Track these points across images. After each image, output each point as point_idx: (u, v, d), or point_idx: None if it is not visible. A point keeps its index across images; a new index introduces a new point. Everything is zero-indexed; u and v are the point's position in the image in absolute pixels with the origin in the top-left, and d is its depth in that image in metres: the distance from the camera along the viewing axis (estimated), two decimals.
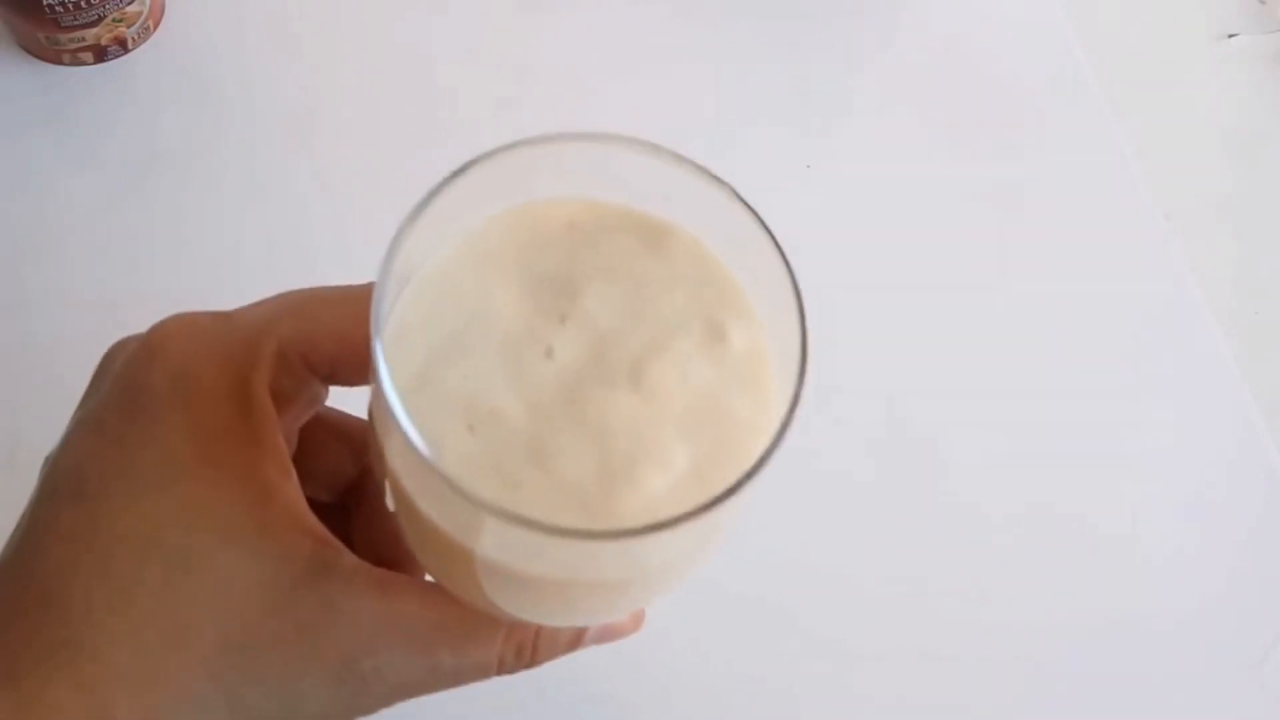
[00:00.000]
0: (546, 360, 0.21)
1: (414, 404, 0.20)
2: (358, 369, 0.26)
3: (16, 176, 0.47)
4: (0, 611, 0.23)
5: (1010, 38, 0.57)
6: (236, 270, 0.46)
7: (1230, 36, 0.60)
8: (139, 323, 0.44)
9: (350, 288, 0.26)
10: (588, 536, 0.19)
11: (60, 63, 0.50)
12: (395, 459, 0.21)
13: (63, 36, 0.48)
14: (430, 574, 0.26)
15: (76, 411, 0.26)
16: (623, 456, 0.20)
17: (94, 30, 0.49)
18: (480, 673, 0.25)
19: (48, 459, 0.25)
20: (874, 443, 0.44)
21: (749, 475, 0.19)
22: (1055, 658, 0.41)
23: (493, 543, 0.20)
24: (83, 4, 0.47)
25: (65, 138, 0.48)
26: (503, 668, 0.25)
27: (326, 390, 0.28)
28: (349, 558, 0.24)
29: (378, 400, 0.20)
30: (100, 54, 0.50)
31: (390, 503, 0.24)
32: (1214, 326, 0.49)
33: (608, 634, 0.27)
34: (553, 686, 0.38)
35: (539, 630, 0.25)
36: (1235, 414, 0.47)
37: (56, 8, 0.47)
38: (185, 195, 0.48)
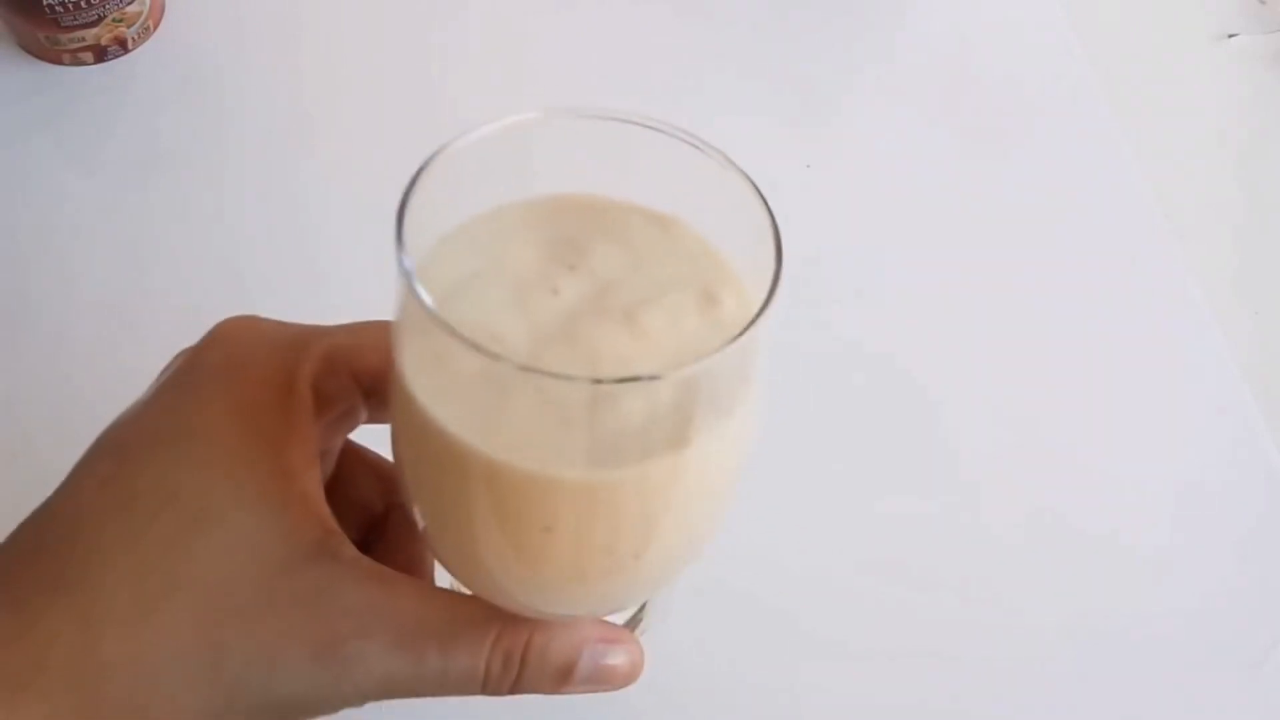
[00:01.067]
0: (552, 297, 0.23)
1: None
2: None
3: (17, 176, 0.47)
4: (25, 545, 0.25)
5: (1010, 38, 0.57)
6: (237, 269, 0.46)
7: (1230, 36, 0.60)
8: (140, 322, 0.44)
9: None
10: (565, 379, 0.20)
11: (60, 63, 0.50)
12: (406, 358, 0.23)
13: (63, 36, 0.48)
14: (439, 541, 0.26)
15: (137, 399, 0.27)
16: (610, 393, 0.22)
17: (94, 30, 0.49)
18: (466, 682, 0.25)
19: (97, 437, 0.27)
20: (873, 442, 0.44)
21: (721, 348, 0.21)
22: (1055, 658, 0.41)
23: (485, 425, 0.22)
24: (83, 4, 0.47)
25: (65, 138, 0.48)
26: (489, 681, 0.25)
27: (364, 411, 0.29)
28: (351, 549, 0.25)
29: (396, 321, 0.23)
30: (100, 54, 0.50)
31: (406, 485, 0.25)
32: (1214, 326, 0.49)
33: (599, 675, 0.26)
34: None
35: (530, 641, 0.25)
36: (1235, 414, 0.47)
37: (56, 8, 0.47)
38: (185, 194, 0.48)
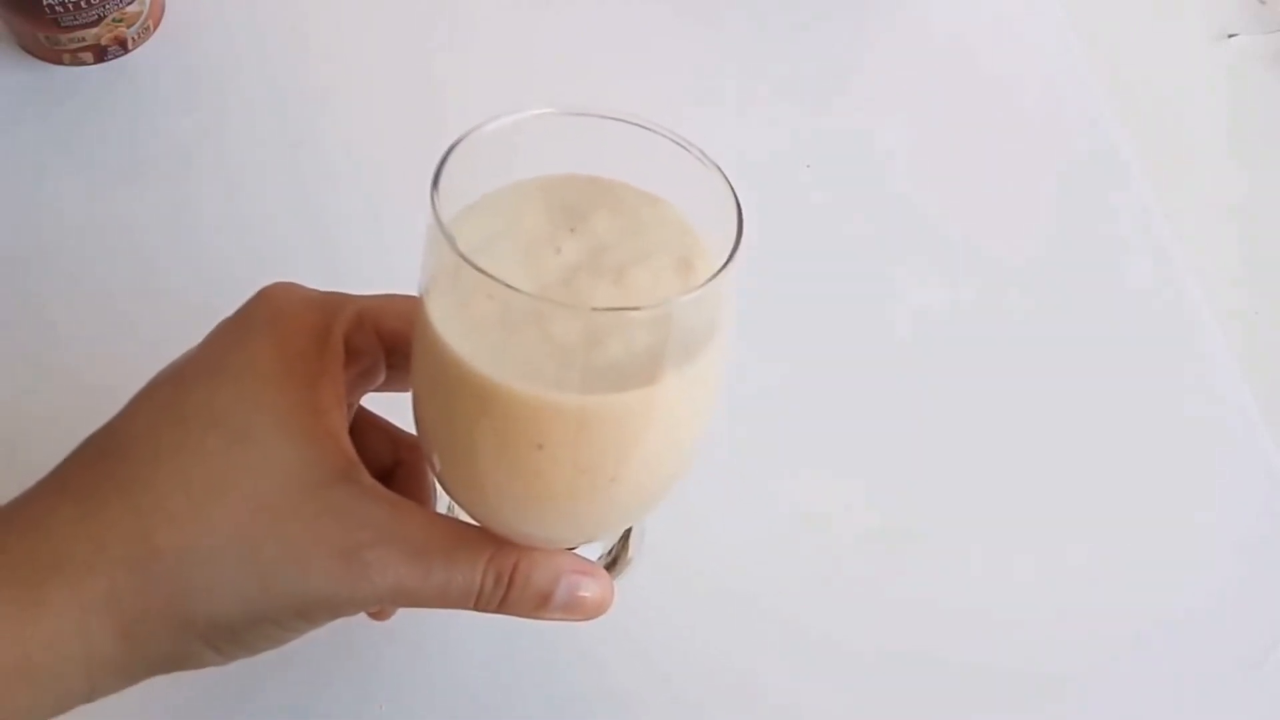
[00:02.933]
0: (556, 255, 0.28)
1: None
2: (409, 352, 0.31)
3: (16, 176, 0.47)
4: (88, 453, 0.28)
5: (1010, 38, 0.57)
6: (235, 269, 0.46)
7: (1230, 36, 0.60)
8: (139, 321, 0.44)
9: (412, 295, 0.31)
10: (557, 304, 0.26)
11: (60, 63, 0.50)
12: (433, 286, 0.27)
13: (63, 36, 0.48)
14: (441, 456, 0.30)
15: None
16: (600, 330, 0.26)
17: (94, 30, 0.49)
18: (463, 595, 0.29)
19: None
20: (871, 442, 0.44)
21: (689, 292, 0.25)
22: (1054, 657, 0.41)
23: (493, 352, 0.26)
24: (83, 4, 0.47)
25: (65, 138, 0.48)
26: (481, 597, 0.29)
27: (384, 370, 0.33)
28: (369, 478, 0.29)
29: (425, 268, 0.27)
30: (100, 54, 0.50)
31: (420, 393, 0.29)
32: (1214, 326, 0.49)
33: (572, 604, 0.30)
34: (555, 681, 0.38)
35: (516, 564, 0.29)
36: (1235, 414, 0.47)
37: (56, 8, 0.47)
38: (185, 194, 0.48)
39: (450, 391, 0.27)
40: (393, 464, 0.35)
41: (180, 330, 0.44)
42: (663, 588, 0.39)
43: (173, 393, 0.29)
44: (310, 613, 0.28)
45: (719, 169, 0.27)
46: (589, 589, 0.30)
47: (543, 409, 0.26)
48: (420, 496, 0.35)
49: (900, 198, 0.51)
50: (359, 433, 0.32)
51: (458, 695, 0.38)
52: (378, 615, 0.35)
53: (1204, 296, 0.50)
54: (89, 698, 0.27)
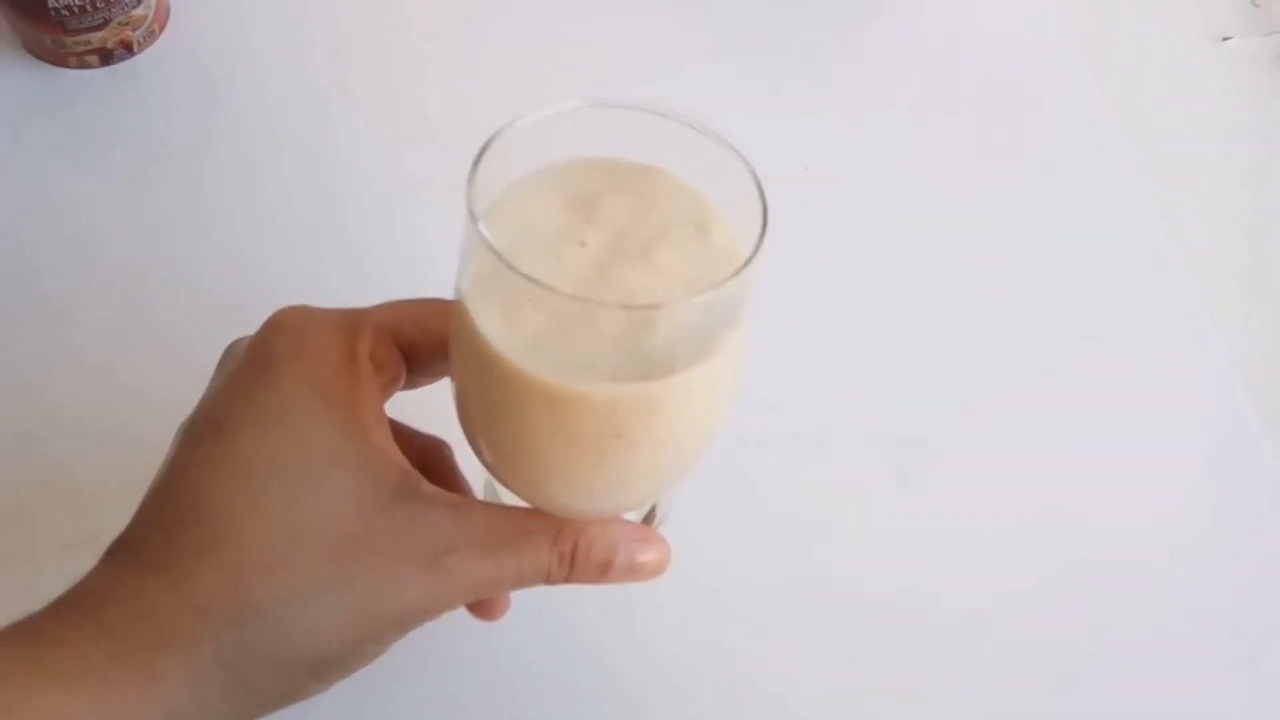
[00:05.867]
0: (581, 249, 0.28)
1: (489, 289, 0.27)
2: (428, 356, 0.33)
3: (22, 179, 0.47)
4: (153, 522, 0.29)
5: (1007, 40, 0.57)
6: (241, 272, 0.46)
7: (1225, 39, 0.60)
8: (142, 326, 0.44)
9: (422, 298, 0.33)
10: (597, 304, 0.26)
11: (66, 66, 0.50)
12: (478, 305, 0.28)
13: (68, 40, 0.49)
14: (498, 459, 0.31)
15: (207, 388, 0.32)
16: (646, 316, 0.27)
17: (100, 34, 0.49)
18: (535, 576, 0.30)
19: (182, 425, 0.31)
20: (870, 442, 0.45)
21: (725, 281, 0.26)
22: (1053, 657, 0.41)
23: (534, 345, 0.27)
24: (88, 7, 0.47)
25: (71, 141, 0.49)
26: (551, 575, 0.31)
27: (404, 375, 0.33)
28: (427, 486, 0.30)
29: (467, 273, 0.28)
30: (106, 57, 0.50)
31: (466, 392, 0.30)
32: (1211, 327, 0.49)
33: (633, 569, 0.32)
34: (564, 677, 0.39)
35: (576, 543, 0.31)
36: (1233, 414, 0.47)
37: (62, 11, 0.47)
38: (190, 197, 0.48)
39: (512, 398, 0.28)
40: (421, 466, 0.36)
41: (190, 330, 0.44)
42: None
43: (219, 446, 0.29)
44: (404, 625, 0.29)
45: (744, 160, 0.28)
46: (646, 554, 0.33)
47: (618, 403, 0.27)
48: (461, 489, 0.36)
49: (898, 198, 0.52)
50: None
51: (458, 697, 0.38)
52: (489, 614, 0.36)
53: (1201, 298, 0.50)
54: None
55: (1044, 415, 0.46)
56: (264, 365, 0.30)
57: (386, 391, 0.33)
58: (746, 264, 0.26)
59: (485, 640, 0.39)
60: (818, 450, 0.44)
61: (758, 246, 0.27)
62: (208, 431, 0.30)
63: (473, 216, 0.26)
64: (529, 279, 0.25)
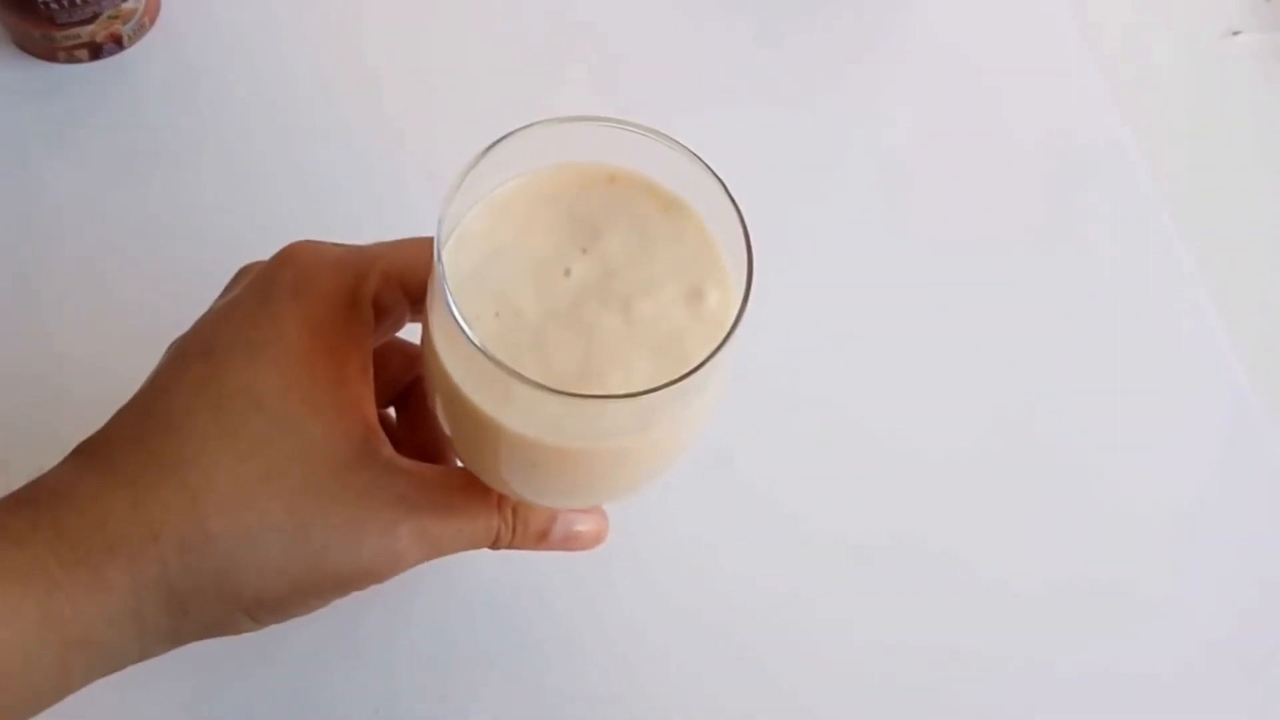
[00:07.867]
0: (565, 278, 0.28)
1: (462, 288, 0.27)
2: None
3: (11, 173, 0.47)
4: (128, 431, 0.29)
5: (1013, 37, 0.57)
6: (230, 266, 0.45)
7: (1235, 34, 0.59)
8: (132, 318, 0.44)
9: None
10: (547, 389, 0.25)
11: (56, 60, 0.50)
12: (438, 335, 0.28)
13: (58, 34, 0.48)
14: (456, 445, 0.32)
15: (212, 306, 0.32)
16: (600, 360, 0.27)
17: (89, 27, 0.48)
18: (483, 539, 0.32)
19: (174, 342, 0.31)
20: (870, 442, 0.44)
21: (690, 373, 0.25)
22: (1055, 657, 0.41)
23: (496, 399, 0.27)
24: (78, 1, 0.47)
25: (60, 135, 0.48)
26: (498, 539, 0.32)
27: (407, 315, 0.34)
28: (388, 447, 0.31)
29: (434, 296, 0.27)
30: (96, 51, 0.50)
31: (431, 396, 0.31)
32: (1218, 326, 0.49)
33: (570, 538, 0.34)
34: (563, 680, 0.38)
35: (515, 508, 0.32)
36: (1237, 413, 0.47)
37: (52, 5, 0.47)
38: (181, 191, 0.47)
39: (458, 412, 0.29)
40: (408, 382, 0.37)
41: (177, 323, 0.44)
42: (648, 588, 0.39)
43: (208, 370, 0.29)
44: (350, 585, 0.30)
45: (732, 201, 0.27)
46: (583, 523, 0.34)
47: (536, 447, 0.27)
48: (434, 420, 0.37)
49: (897, 199, 0.51)
50: (379, 355, 0.34)
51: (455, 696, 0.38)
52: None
53: (1209, 294, 0.49)
54: (139, 660, 0.29)
55: (1046, 415, 0.46)
56: (265, 298, 0.30)
57: (385, 335, 0.34)
58: (695, 370, 0.25)
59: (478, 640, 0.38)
60: (828, 453, 0.44)
61: (722, 345, 0.25)
62: (198, 354, 0.30)
63: (445, 281, 0.26)
64: (481, 350, 0.25)
